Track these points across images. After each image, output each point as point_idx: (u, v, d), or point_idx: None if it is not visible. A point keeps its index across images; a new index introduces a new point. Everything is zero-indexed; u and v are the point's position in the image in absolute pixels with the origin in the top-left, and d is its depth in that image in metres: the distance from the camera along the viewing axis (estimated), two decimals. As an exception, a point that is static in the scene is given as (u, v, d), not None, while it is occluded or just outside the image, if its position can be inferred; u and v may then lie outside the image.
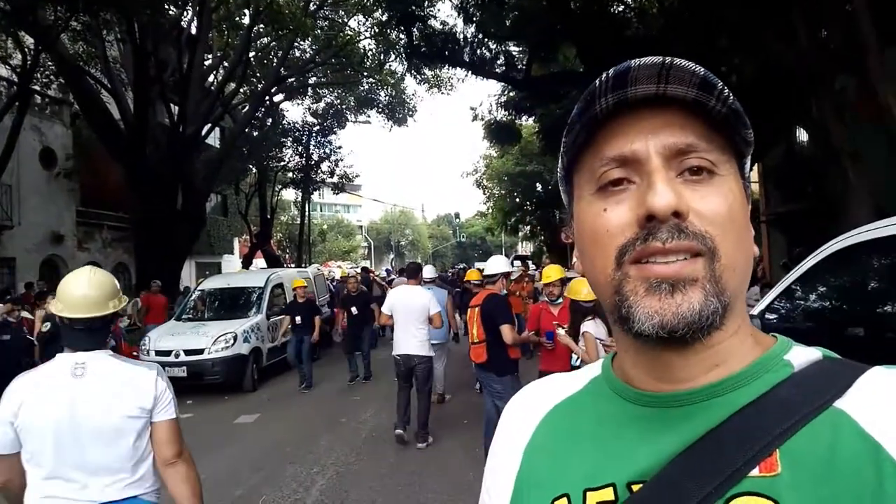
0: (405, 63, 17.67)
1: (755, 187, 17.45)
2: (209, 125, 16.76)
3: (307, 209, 28.56)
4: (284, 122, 25.06)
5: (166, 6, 13.16)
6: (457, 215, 71.73)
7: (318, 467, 6.10)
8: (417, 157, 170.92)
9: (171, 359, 9.33)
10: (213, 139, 20.52)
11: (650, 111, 0.56)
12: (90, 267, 2.26)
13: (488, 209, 38.35)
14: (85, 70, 13.95)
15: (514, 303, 8.32)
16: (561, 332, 5.17)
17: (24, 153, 15.28)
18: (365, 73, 21.95)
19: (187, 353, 9.51)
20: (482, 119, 22.95)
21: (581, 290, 4.99)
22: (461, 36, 15.95)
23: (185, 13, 15.99)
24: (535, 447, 0.68)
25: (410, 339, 6.60)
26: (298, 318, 10.00)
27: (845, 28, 7.25)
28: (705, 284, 0.53)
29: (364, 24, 19.83)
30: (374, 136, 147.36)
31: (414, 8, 14.94)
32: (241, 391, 9.70)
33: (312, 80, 23.26)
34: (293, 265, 26.34)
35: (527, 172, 28.81)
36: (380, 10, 17.13)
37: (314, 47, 20.67)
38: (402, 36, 16.22)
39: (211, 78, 18.63)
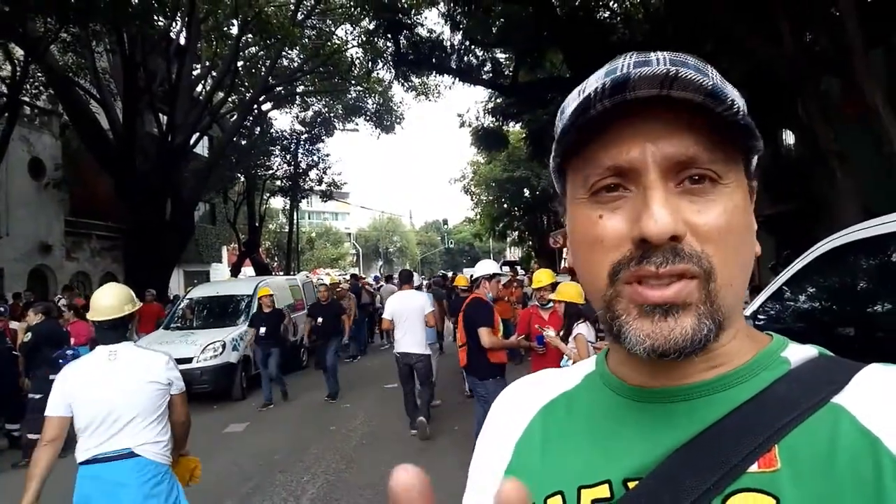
0: (392, 71, 17.73)
1: None
2: (198, 134, 16.78)
3: (295, 217, 28.53)
4: (272, 130, 25.06)
5: (155, 17, 13.18)
6: (445, 222, 71.68)
7: (309, 476, 6.07)
8: (405, 165, 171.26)
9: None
10: (202, 148, 20.55)
11: (650, 113, 0.53)
12: (111, 283, 3.19)
13: (476, 215, 38.51)
14: (74, 81, 13.96)
15: (504, 308, 8.36)
16: (551, 333, 5.17)
17: (13, 164, 15.28)
18: (352, 82, 22.01)
19: (176, 361, 9.42)
20: (469, 125, 23.09)
21: (571, 292, 5.04)
22: (448, 43, 16.13)
23: (173, 24, 16.03)
24: (528, 443, 0.67)
25: (410, 339, 7.14)
26: (263, 330, 9.42)
27: (831, 30, 7.25)
28: (699, 307, 0.52)
29: (351, 32, 19.94)
30: (362, 144, 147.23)
31: (401, 16, 15.05)
32: (230, 400, 9.66)
33: (300, 89, 23.29)
34: (282, 273, 26.29)
35: (514, 178, 28.95)
36: (367, 19, 17.18)
37: (302, 56, 20.77)
38: (389, 44, 16.33)
39: (199, 88, 18.64)
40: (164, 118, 15.76)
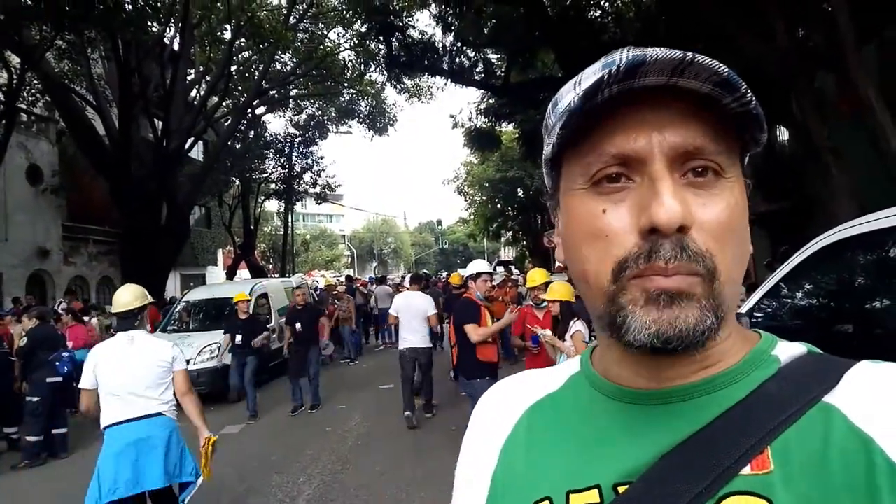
0: (385, 73, 17.78)
1: None
2: (192, 139, 16.85)
3: (290, 220, 28.59)
4: (267, 134, 25.15)
5: (149, 23, 13.28)
6: (439, 222, 71.84)
7: (305, 476, 6.06)
8: (399, 166, 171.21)
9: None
10: (197, 153, 20.64)
11: (657, 102, 0.52)
12: (128, 284, 4.10)
13: (470, 215, 38.62)
14: (70, 88, 14.07)
15: (500, 308, 8.40)
16: (547, 333, 5.17)
17: (11, 170, 15.41)
18: (345, 84, 22.13)
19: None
20: (462, 126, 23.15)
21: (562, 290, 5.09)
22: (440, 45, 16.21)
23: (167, 30, 16.11)
24: (514, 446, 0.66)
25: (415, 335, 7.86)
26: (239, 338, 8.83)
27: (823, 25, 7.18)
28: (702, 301, 0.51)
29: (344, 35, 20.08)
30: (356, 146, 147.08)
31: (393, 19, 15.13)
32: (226, 402, 9.60)
33: (294, 92, 23.39)
34: (277, 275, 26.34)
35: (508, 178, 29.04)
36: (359, 22, 17.30)
37: (295, 60, 20.87)
38: (381, 46, 16.40)
39: (193, 93, 18.71)
40: (158, 123, 15.82)
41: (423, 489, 5.46)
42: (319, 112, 26.01)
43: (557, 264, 0.66)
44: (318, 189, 27.17)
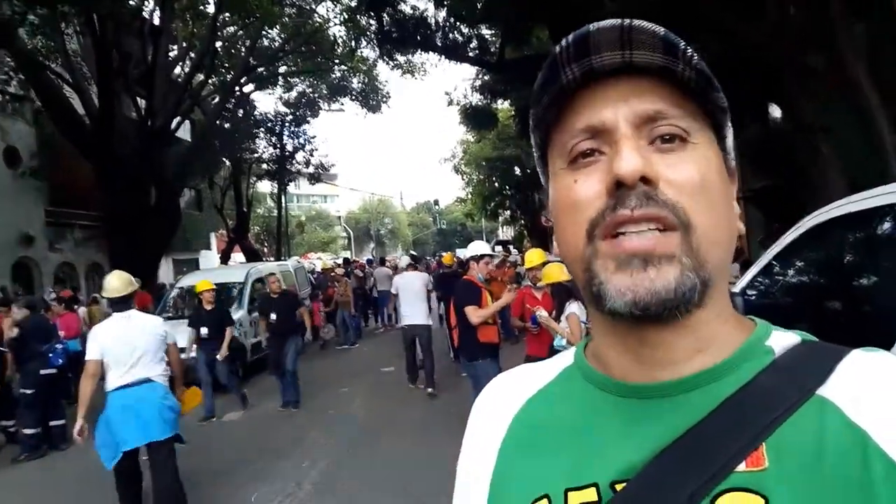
0: (377, 49, 17.45)
1: (731, 163, 17.65)
2: (179, 118, 16.37)
3: (283, 201, 28.23)
4: (256, 112, 24.72)
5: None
6: (436, 202, 71.50)
7: (309, 461, 6.11)
8: (394, 145, 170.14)
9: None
10: (184, 132, 20.08)
11: (618, 79, 0.55)
12: (115, 271, 4.92)
13: (467, 195, 38.50)
14: (45, 65, 13.50)
15: (498, 288, 8.36)
16: (543, 314, 5.20)
17: (-14, 153, 14.87)
18: (336, 61, 21.66)
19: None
20: (457, 104, 22.86)
21: (555, 272, 5.11)
22: (433, 20, 15.80)
23: (146, 2, 15.58)
24: (511, 445, 0.66)
25: (414, 312, 8.57)
26: (205, 331, 8.17)
27: (815, 3, 7.19)
28: (682, 259, 0.51)
29: (333, 10, 19.57)
30: (349, 124, 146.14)
31: (383, -8, 14.75)
32: (225, 389, 9.47)
33: (283, 69, 22.84)
34: (272, 258, 26.07)
35: (504, 156, 28.90)
36: (348, -4, 16.85)
37: (283, 35, 20.30)
38: (372, 21, 16.01)
39: (178, 69, 18.17)
40: (142, 102, 15.38)
41: (424, 471, 5.53)
42: (310, 89, 25.54)
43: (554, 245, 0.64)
44: (311, 169, 26.92)
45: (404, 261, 11.93)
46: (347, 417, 7.71)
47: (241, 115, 22.95)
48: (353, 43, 18.73)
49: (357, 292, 15.50)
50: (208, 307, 8.37)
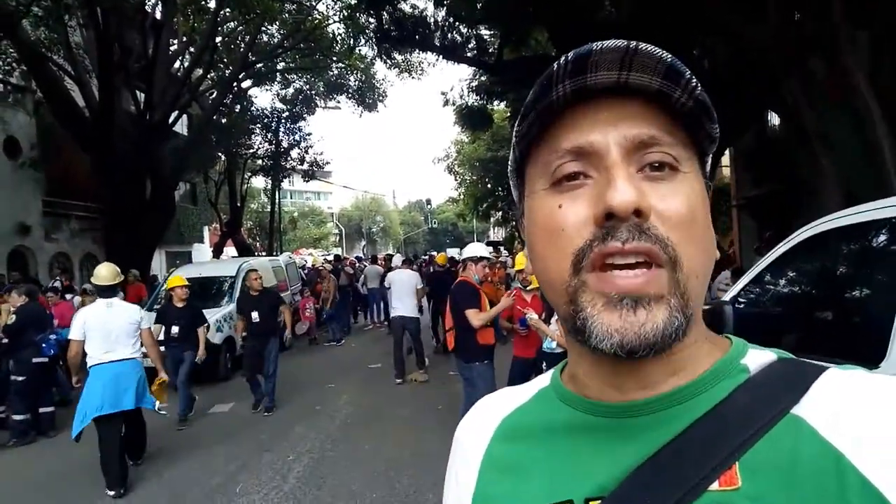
0: (375, 47, 17.38)
1: (726, 171, 17.57)
2: (176, 112, 16.41)
3: (277, 197, 28.25)
4: (253, 108, 24.65)
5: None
6: (428, 202, 71.63)
7: (294, 455, 6.17)
8: (388, 143, 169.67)
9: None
10: (181, 127, 20.11)
11: (610, 101, 0.53)
12: (104, 263, 5.88)
13: (460, 195, 38.43)
14: (47, 57, 13.52)
15: (487, 289, 8.44)
16: (534, 316, 5.23)
17: (-14, 143, 14.88)
18: (334, 58, 21.68)
19: (159, 343, 9.31)
20: (453, 104, 22.88)
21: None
22: (432, 20, 15.85)
23: (148, -3, 15.62)
24: (490, 464, 0.66)
25: (405, 305, 9.41)
26: (176, 329, 7.59)
27: (817, 9, 7.12)
28: (670, 300, 0.51)
29: (333, 7, 19.60)
30: (344, 122, 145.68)
31: (383, -10, 14.80)
32: (214, 380, 9.66)
33: (281, 66, 22.86)
34: (264, 253, 26.09)
35: (498, 158, 28.91)
36: (349, -6, 16.92)
37: (282, 32, 20.27)
38: (371, 20, 16.03)
39: (177, 64, 18.19)
40: (141, 96, 15.39)
41: (410, 466, 5.59)
42: (307, 86, 25.52)
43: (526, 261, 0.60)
44: (305, 166, 26.85)
45: (398, 259, 12.97)
46: (334, 412, 7.73)
47: (237, 110, 22.95)
48: (351, 41, 18.78)
49: (346, 289, 15.58)
50: (179, 304, 7.74)
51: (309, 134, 26.94)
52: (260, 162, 26.44)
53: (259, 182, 32.59)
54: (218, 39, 17.73)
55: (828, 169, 7.13)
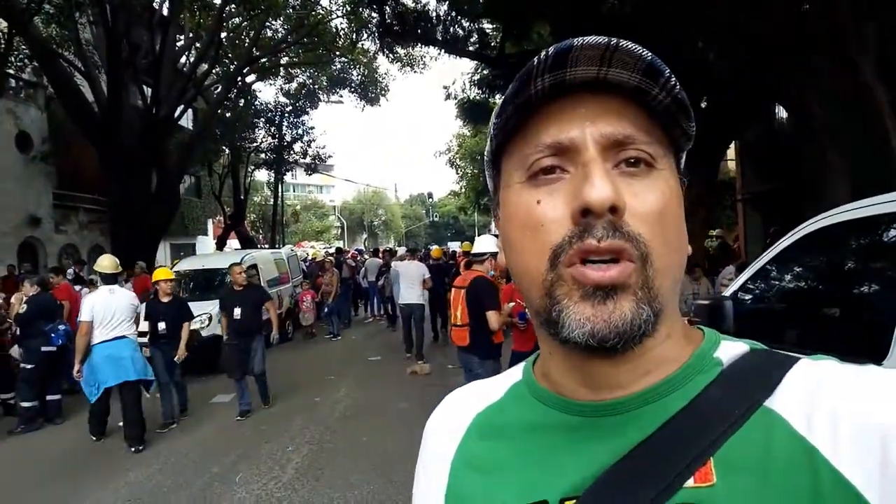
0: (377, 42, 17.49)
1: (731, 165, 17.41)
2: (182, 107, 16.65)
3: (280, 190, 28.45)
4: (257, 102, 24.83)
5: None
6: (430, 195, 71.67)
7: (294, 445, 6.19)
8: (390, 137, 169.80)
9: (147, 339, 7.58)
10: (187, 121, 20.36)
11: (589, 96, 0.54)
12: (106, 254, 7.28)
13: (461, 188, 38.41)
14: (58, 53, 13.77)
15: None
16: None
17: (0, 137, 15.24)
18: (337, 53, 21.82)
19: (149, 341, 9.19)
20: (455, 98, 22.95)
21: None
22: (434, 14, 16.00)
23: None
24: (462, 461, 0.65)
25: (411, 294, 10.22)
26: (163, 325, 7.13)
27: (824, 4, 6.99)
28: (636, 291, 0.51)
29: (336, 2, 19.74)
30: (347, 116, 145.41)
31: (386, -15, 14.90)
32: (216, 371, 9.57)
33: (284, 60, 23.03)
34: (267, 246, 26.32)
35: (499, 151, 28.85)
36: (352, -11, 17.05)
37: (286, 27, 20.46)
38: (374, 14, 16.16)
39: (183, 59, 18.41)
40: (148, 90, 15.61)
41: (410, 458, 5.46)
42: (311, 81, 25.67)
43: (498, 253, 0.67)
44: (308, 159, 26.99)
45: (402, 251, 14.17)
46: (332, 404, 7.75)
47: (242, 104, 23.11)
48: (354, 35, 18.90)
49: (348, 282, 15.61)
50: (165, 299, 7.30)
51: (312, 128, 27.08)
52: (263, 155, 26.60)
53: (262, 175, 32.76)
54: (223, 35, 17.92)
55: (835, 163, 7.01)
